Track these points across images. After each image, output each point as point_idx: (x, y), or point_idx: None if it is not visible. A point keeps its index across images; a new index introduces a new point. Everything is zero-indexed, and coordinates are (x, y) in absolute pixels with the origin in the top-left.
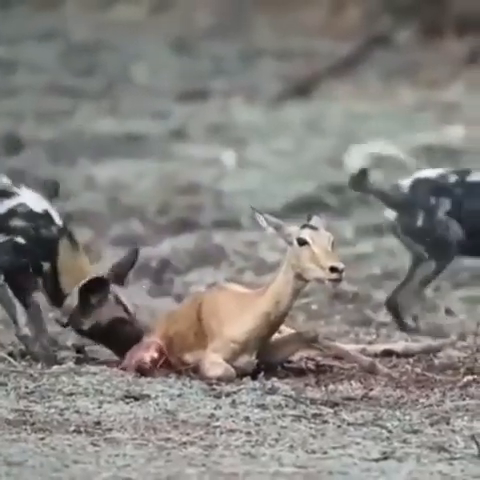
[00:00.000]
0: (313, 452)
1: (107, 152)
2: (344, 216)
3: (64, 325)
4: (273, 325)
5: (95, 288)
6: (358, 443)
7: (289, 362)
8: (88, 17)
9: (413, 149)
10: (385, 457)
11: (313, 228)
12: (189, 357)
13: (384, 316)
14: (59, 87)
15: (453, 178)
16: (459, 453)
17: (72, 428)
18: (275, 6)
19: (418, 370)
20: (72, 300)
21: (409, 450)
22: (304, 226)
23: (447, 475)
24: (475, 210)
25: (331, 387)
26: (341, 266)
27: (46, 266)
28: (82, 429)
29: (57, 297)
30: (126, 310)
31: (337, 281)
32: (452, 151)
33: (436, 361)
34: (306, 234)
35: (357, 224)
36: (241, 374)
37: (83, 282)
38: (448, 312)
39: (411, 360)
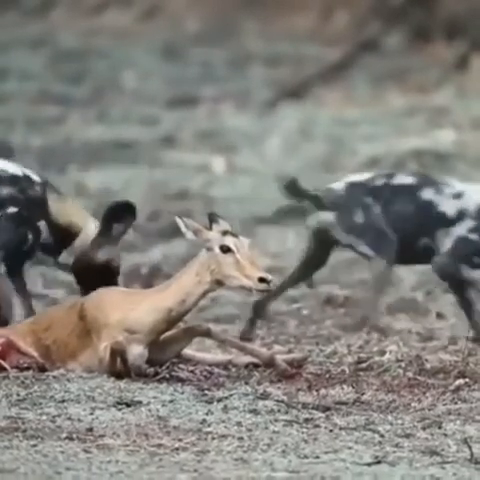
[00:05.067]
0: (305, 457)
1: (97, 159)
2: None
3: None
4: (172, 321)
5: (122, 215)
6: (350, 447)
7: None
8: (77, 24)
9: (403, 154)
10: (377, 461)
11: (234, 235)
12: (74, 365)
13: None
14: (49, 94)
15: (381, 181)
16: (451, 457)
17: (64, 435)
18: (264, 12)
19: (410, 374)
20: (86, 235)
21: (401, 454)
22: (225, 233)
23: (439, 479)
24: (400, 212)
25: (323, 391)
26: (270, 277)
27: (42, 226)
28: (74, 436)
29: (62, 248)
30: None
31: (266, 291)
32: (442, 155)
33: (428, 365)
34: (230, 242)
35: None
36: (134, 370)
37: (110, 205)
38: (439, 316)
39: (403, 364)
